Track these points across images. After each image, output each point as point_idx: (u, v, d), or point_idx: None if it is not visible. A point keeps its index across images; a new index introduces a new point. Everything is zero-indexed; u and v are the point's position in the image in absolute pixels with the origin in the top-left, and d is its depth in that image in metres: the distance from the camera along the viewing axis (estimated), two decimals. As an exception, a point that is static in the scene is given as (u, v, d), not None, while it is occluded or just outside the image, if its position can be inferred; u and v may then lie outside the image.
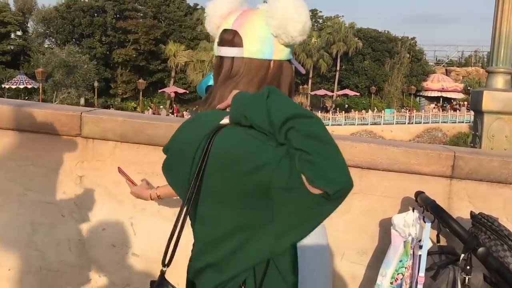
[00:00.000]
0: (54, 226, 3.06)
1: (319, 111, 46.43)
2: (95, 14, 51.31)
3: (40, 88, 36.96)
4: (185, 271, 1.61)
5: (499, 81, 6.23)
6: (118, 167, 2.52)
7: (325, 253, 2.49)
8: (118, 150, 3.00)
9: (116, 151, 3.00)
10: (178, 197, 1.58)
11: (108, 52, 50.19)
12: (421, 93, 58.02)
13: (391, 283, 2.50)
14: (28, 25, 53.27)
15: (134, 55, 49.71)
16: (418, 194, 2.64)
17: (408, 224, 2.50)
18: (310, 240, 2.42)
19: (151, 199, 2.48)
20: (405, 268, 2.50)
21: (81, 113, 2.99)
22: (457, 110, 48.64)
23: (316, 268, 2.43)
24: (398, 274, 2.50)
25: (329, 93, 54.63)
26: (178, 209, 1.43)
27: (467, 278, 2.26)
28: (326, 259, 2.49)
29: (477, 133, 6.01)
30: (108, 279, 3.06)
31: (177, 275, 2.99)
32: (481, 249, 2.24)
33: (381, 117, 44.95)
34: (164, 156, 1.62)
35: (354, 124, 42.86)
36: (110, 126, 2.96)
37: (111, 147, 3.00)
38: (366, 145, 2.90)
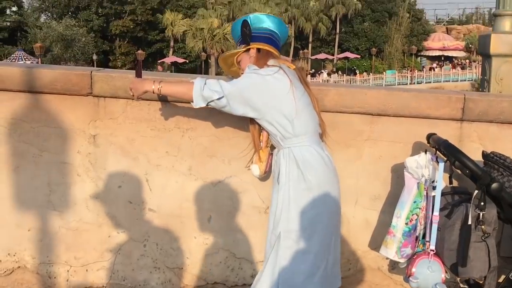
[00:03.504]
0: (71, 185, 3.10)
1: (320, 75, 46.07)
2: (90, -14, 50.58)
3: (39, 63, 36.72)
4: None
5: (507, 24, 6.16)
6: (137, 60, 2.57)
7: (333, 199, 2.54)
8: (130, 107, 3.02)
9: (127, 108, 3.02)
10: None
11: (105, 24, 49.66)
12: (422, 53, 57.47)
13: (406, 223, 2.55)
14: (23, 0, 52.63)
15: (131, 26, 49.17)
16: (430, 136, 2.66)
17: (421, 165, 2.53)
18: (319, 188, 2.46)
19: (153, 92, 2.51)
20: (419, 208, 2.54)
21: (91, 72, 3.00)
22: (464, 68, 47.83)
23: (323, 210, 2.48)
24: (412, 214, 2.54)
25: (330, 57, 54.18)
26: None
27: (481, 214, 2.30)
28: (334, 204, 2.54)
29: (485, 77, 5.97)
30: (127, 235, 3.12)
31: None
32: (494, 184, 2.27)
33: (382, 78, 44.61)
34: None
35: (356, 87, 42.30)
36: (121, 84, 2.97)
37: (123, 105, 3.02)
38: (376, 91, 2.91)
